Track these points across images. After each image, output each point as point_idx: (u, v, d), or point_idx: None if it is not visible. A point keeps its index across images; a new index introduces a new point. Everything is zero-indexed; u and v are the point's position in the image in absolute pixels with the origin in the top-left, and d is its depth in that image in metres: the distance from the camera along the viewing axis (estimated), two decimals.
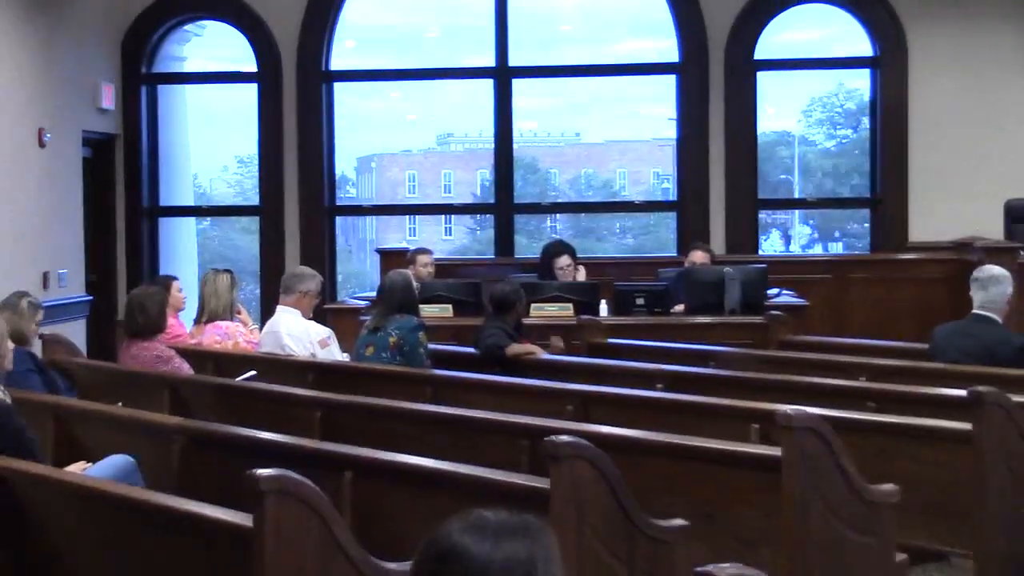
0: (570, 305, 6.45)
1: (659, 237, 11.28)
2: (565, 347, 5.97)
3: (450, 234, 13.31)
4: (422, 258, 7.47)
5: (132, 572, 2.90)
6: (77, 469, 3.66)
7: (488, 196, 9.88)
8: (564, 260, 7.12)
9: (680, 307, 6.64)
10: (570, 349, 5.90)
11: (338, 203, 9.42)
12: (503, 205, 8.92)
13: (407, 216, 12.90)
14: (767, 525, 3.18)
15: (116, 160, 8.73)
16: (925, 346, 5.11)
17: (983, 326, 4.79)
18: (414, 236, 12.26)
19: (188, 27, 9.19)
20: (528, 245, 9.49)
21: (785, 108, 10.67)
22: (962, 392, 3.75)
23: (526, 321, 5.92)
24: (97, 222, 8.47)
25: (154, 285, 5.84)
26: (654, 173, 13.42)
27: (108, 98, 8.44)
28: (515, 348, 5.42)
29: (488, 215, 10.05)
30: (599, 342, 5.84)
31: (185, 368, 5.15)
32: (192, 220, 9.76)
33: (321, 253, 8.80)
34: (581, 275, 7.19)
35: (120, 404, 4.45)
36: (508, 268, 7.96)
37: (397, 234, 12.36)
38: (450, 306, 6.60)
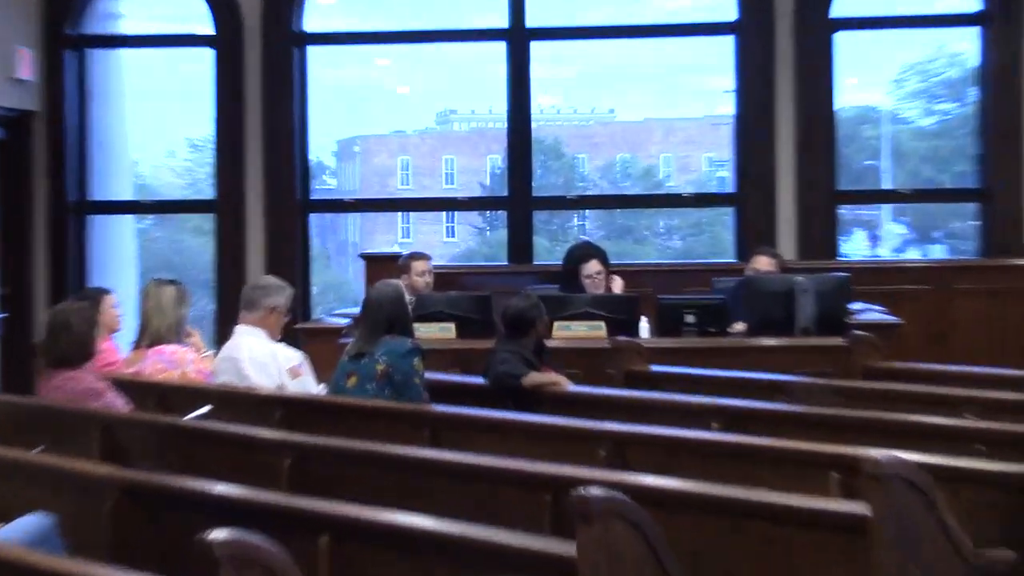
0: (602, 324, 6.48)
1: (713, 238, 11.38)
2: (597, 376, 6.00)
3: (453, 235, 13.40)
4: (418, 265, 7.49)
5: None
6: None
7: (500, 188, 10.00)
8: (594, 267, 7.16)
9: (740, 326, 6.66)
10: (603, 380, 5.93)
11: (313, 197, 9.47)
12: (519, 199, 8.94)
13: (399, 213, 13.00)
14: None
15: (35, 143, 8.77)
16: None
17: None
18: (408, 238, 12.47)
19: None
20: (550, 249, 9.63)
21: (871, 77, 10.83)
22: None
23: (548, 344, 5.96)
24: (10, 220, 8.51)
25: (82, 300, 5.85)
26: (707, 159, 13.45)
27: (25, 67, 8.47)
28: (534, 378, 5.41)
29: (500, 212, 10.08)
30: (639, 370, 5.89)
31: (120, 403, 5.15)
32: (130, 218, 9.77)
33: (292, 259, 8.87)
34: (616, 286, 7.24)
35: (39, 449, 4.46)
36: (525, 278, 8.00)
37: (387, 235, 12.57)
38: (453, 325, 6.63)
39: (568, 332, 6.48)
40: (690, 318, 6.52)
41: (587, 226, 12.11)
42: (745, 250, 8.20)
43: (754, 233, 8.52)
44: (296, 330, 6.88)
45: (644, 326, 6.69)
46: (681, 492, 3.59)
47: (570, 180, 12.62)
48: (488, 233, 12.23)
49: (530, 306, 5.64)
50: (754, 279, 6.90)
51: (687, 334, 6.50)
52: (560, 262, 7.60)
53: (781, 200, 8.67)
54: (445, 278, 7.91)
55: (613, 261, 7.44)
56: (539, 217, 9.33)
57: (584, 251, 7.34)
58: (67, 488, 3.90)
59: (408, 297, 5.62)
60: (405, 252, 7.94)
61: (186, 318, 6.13)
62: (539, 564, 2.87)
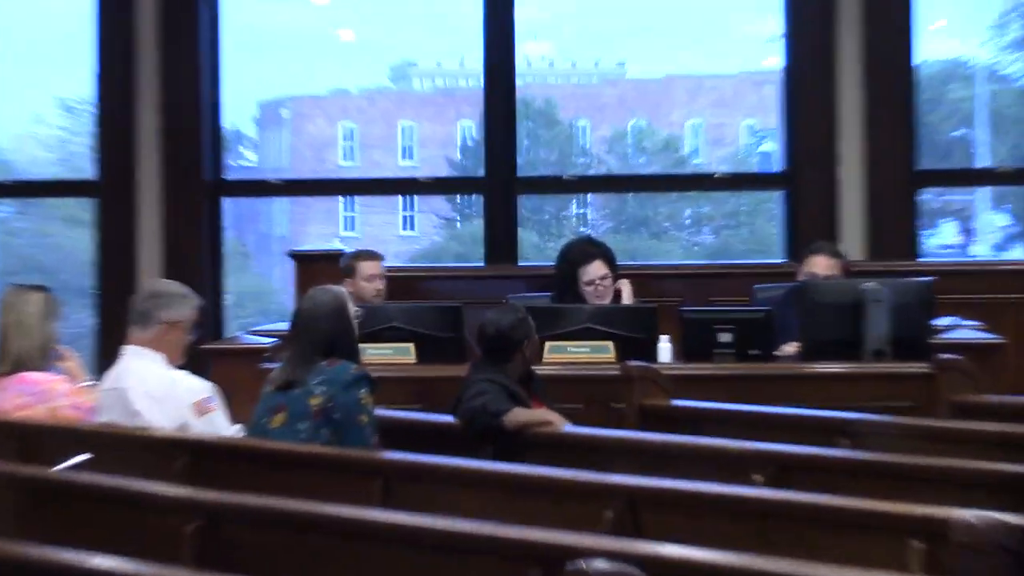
0: (609, 344, 6.51)
1: (755, 232, 11.46)
2: (602, 413, 6.06)
3: (412, 227, 13.43)
4: (366, 267, 7.51)
5: None
6: None
7: (474, 165, 10.20)
8: (597, 271, 7.19)
9: (791, 347, 6.70)
10: (610, 418, 5.97)
11: (227, 176, 9.51)
12: (499, 180, 8.96)
13: (341, 198, 13.12)
14: None
15: None
16: None
17: None
18: (352, 231, 12.50)
19: None
20: (540, 247, 9.73)
21: (962, 22, 10.72)
22: None
23: (538, 370, 5.97)
24: None
25: None
26: (747, 128, 13.50)
27: None
28: (520, 416, 5.43)
29: (474, 196, 10.13)
30: (657, 405, 5.93)
31: None
32: None
33: (198, 258, 8.89)
34: (626, 294, 7.27)
35: None
36: (507, 284, 8.01)
37: (325, 227, 12.62)
38: (412, 346, 6.66)
39: (564, 355, 6.51)
40: (725, 337, 6.54)
41: (589, 216, 12.14)
42: (797, 247, 8.23)
43: (809, 225, 8.59)
44: (204, 352, 6.87)
45: (664, 347, 6.70)
46: (712, 566, 3.57)
47: (567, 155, 12.58)
48: (459, 225, 12.26)
49: (514, 322, 5.64)
50: (809, 286, 6.90)
51: (720, 358, 6.54)
52: (553, 263, 7.60)
53: (845, 182, 8.74)
54: (402, 284, 7.92)
55: (623, 262, 7.46)
56: (526, 204, 9.36)
57: (585, 250, 7.34)
58: None
59: (354, 309, 5.59)
60: (349, 250, 7.93)
61: (57, 336, 6.06)
62: None
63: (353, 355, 5.45)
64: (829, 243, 7.69)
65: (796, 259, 7.70)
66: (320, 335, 5.38)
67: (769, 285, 7.18)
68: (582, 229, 11.44)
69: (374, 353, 6.29)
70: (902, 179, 8.81)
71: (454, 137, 13.03)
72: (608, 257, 7.25)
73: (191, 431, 5.49)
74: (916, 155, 8.89)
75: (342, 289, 5.78)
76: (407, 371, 6.51)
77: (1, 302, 6.09)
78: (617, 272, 7.29)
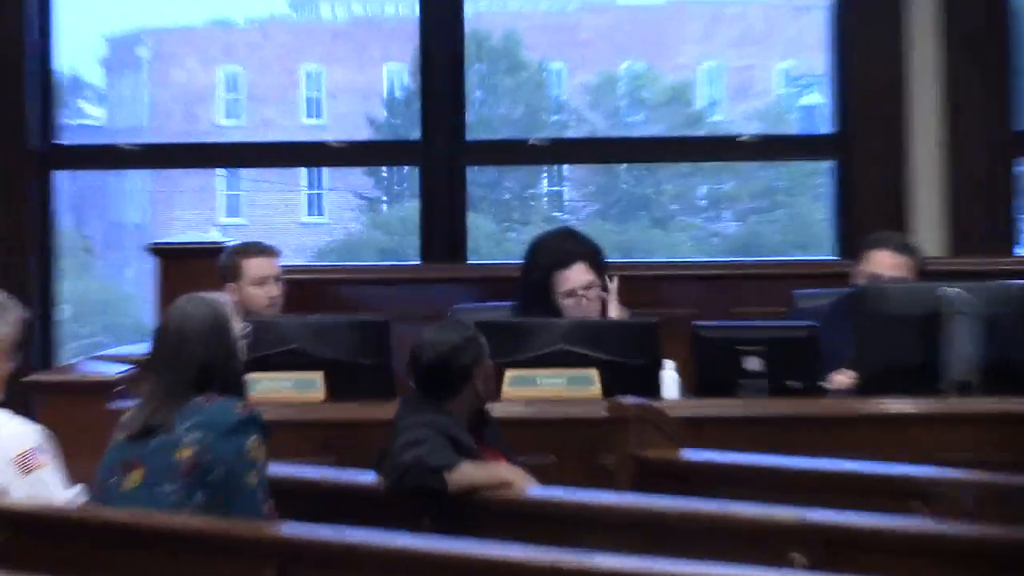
0: (593, 374, 6.53)
1: (796, 219, 11.47)
2: (583, 469, 6.08)
3: (320, 212, 13.47)
4: (256, 265, 7.53)
5: None
6: None
7: (407, 125, 10.14)
8: (580, 276, 7.22)
9: (844, 376, 6.74)
10: (594, 475, 5.96)
11: (63, 141, 9.53)
12: (440, 145, 9.01)
13: (221, 171, 13.04)
14: None
15: None
16: None
17: None
18: (237, 217, 12.47)
19: None
20: (498, 237, 9.81)
21: None
22: None
23: (495, 410, 5.97)
24: None
25: None
26: (783, 73, 13.53)
27: None
28: (468, 474, 5.42)
29: (406, 168, 10.30)
30: (660, 458, 5.94)
31: None
32: None
33: (20, 254, 8.94)
34: (613, 303, 7.29)
35: None
36: (452, 289, 8.13)
37: (198, 211, 12.56)
38: (319, 377, 6.67)
39: (532, 390, 6.53)
40: (753, 363, 6.57)
41: (566, 196, 12.03)
42: (852, 240, 8.27)
43: (869, 208, 8.66)
44: (30, 386, 6.86)
45: (670, 376, 6.72)
46: None
47: (535, 111, 12.52)
48: (385, 208, 12.29)
49: (461, 343, 5.66)
50: (869, 292, 6.88)
51: (747, 392, 6.55)
52: (517, 263, 7.59)
53: (916, 149, 8.82)
54: (307, 289, 7.98)
55: (614, 259, 7.50)
56: (479, 179, 9.51)
57: (563, 248, 7.36)
58: None
59: (239, 325, 5.59)
60: (233, 242, 7.93)
61: None
62: None
63: (238, 389, 5.45)
64: (896, 234, 7.71)
65: (851, 255, 7.71)
66: (191, 362, 5.36)
67: (814, 291, 7.25)
68: (557, 215, 11.30)
69: (268, 386, 6.34)
70: (995, 146, 8.88)
71: (378, 86, 13.04)
72: (595, 257, 7.29)
73: (11, 495, 5.42)
74: (1014, 113, 8.94)
75: (223, 297, 5.76)
76: (313, 412, 6.50)
77: None
78: (605, 273, 7.30)
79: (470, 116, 9.26)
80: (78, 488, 5.62)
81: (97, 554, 5.04)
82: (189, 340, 5.39)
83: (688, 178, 12.44)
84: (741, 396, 6.55)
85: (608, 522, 5.27)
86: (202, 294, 5.67)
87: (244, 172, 13.23)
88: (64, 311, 9.41)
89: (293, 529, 5.11)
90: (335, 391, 6.64)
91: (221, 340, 5.44)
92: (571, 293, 7.19)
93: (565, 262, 7.25)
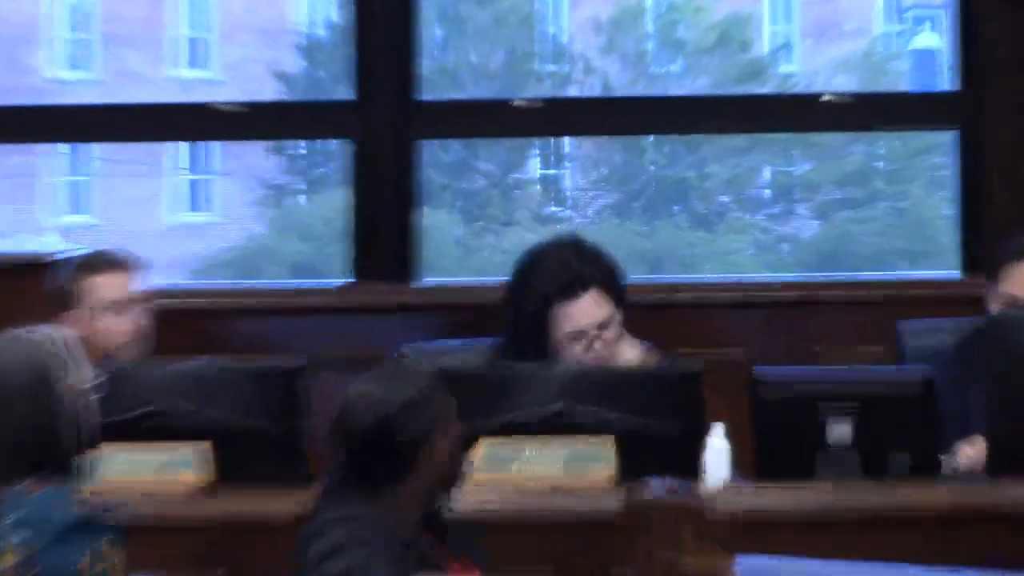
0: (605, 448, 5.64)
1: (905, 215, 11.32)
2: None
3: (207, 207, 12.87)
4: (109, 285, 6.83)
5: None
6: None
7: (331, 80, 10.05)
8: (592, 311, 6.37)
9: (974, 450, 5.90)
10: None
11: None
12: (381, 108, 8.30)
13: (62, 146, 13.09)
14: None
15: None
16: None
17: None
18: (83, 215, 12.39)
19: None
20: (467, 244, 9.51)
21: None
22: None
23: (462, 502, 5.15)
24: None
25: None
26: (885, 5, 13.70)
27: None
28: None
29: (333, 142, 9.98)
30: (704, 573, 5.41)
31: None
32: None
33: None
34: (627, 346, 6.44)
35: None
36: (397, 320, 7.73)
37: (23, 205, 12.56)
38: (201, 451, 5.84)
39: (515, 472, 5.67)
40: (841, 430, 5.70)
41: (567, 182, 11.26)
42: (985, 248, 7.56)
43: (1009, 205, 7.80)
44: None
45: (718, 449, 5.79)
46: None
47: (519, 59, 11.86)
48: (302, 201, 11.73)
49: (412, 401, 4.89)
50: (1010, 323, 6.08)
51: (832, 471, 5.68)
52: (497, 282, 6.74)
53: None
54: (186, 320, 7.43)
55: (637, 276, 7.18)
56: (439, 158, 9.02)
57: (569, 269, 6.40)
58: None
59: (82, 373, 4.77)
60: (77, 250, 7.35)
61: None
62: None
63: (77, 472, 4.69)
64: None
65: (984, 270, 6.91)
66: (11, 431, 4.68)
67: (930, 322, 6.52)
68: (554, 211, 10.73)
69: (126, 466, 5.52)
70: None
71: (291, 22, 12.54)
72: (611, 281, 6.33)
73: None
74: None
75: (58, 334, 4.91)
76: (192, 505, 5.64)
77: None
78: (625, 308, 6.35)
79: (426, 65, 8.32)
80: None
81: None
82: (8, 399, 4.70)
83: (745, 156, 12.18)
84: (822, 478, 5.67)
85: None
86: (26, 331, 4.85)
87: (94, 149, 13.04)
88: None
89: None
90: (225, 472, 5.80)
91: (51, 398, 4.71)
92: (578, 334, 6.21)
93: (570, 292, 6.29)
